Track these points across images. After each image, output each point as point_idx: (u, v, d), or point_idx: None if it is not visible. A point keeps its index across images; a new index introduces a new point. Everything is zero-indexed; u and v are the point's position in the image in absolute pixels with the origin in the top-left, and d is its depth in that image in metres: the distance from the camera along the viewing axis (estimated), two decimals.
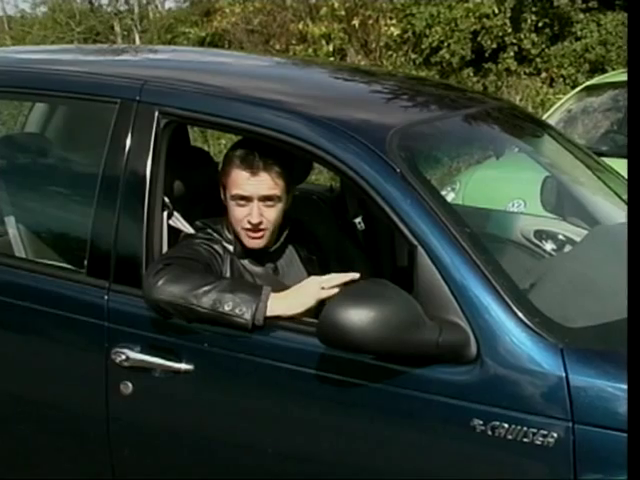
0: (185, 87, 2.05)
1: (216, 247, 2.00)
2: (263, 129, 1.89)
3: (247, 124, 1.91)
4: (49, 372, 2.12)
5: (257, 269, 2.06)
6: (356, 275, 1.82)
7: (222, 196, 2.06)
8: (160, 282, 1.81)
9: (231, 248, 2.04)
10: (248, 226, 1.99)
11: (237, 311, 1.77)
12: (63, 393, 2.11)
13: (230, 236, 2.04)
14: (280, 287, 1.91)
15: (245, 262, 2.05)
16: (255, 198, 1.97)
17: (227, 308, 1.78)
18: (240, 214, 1.99)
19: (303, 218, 2.26)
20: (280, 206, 2.01)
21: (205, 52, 3.84)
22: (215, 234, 2.04)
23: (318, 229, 2.36)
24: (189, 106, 1.99)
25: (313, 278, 1.88)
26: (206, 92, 2.03)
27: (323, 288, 1.80)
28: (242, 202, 1.98)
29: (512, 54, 9.59)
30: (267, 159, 1.96)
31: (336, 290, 1.79)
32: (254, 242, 2.02)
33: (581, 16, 9.61)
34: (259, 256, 2.07)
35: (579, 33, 9.57)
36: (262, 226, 2.00)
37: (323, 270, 2.20)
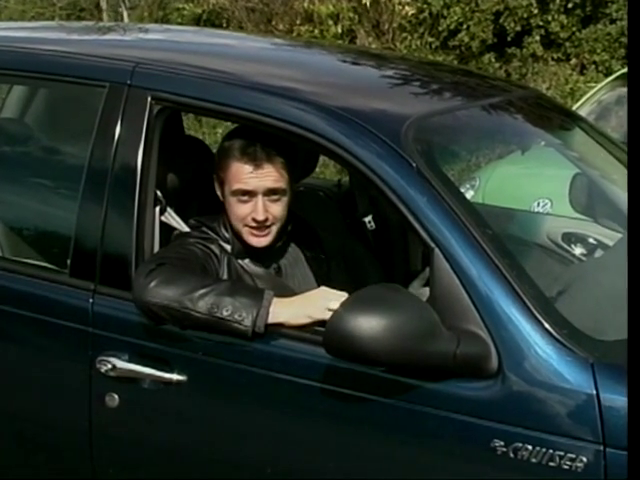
0: (181, 71, 2.06)
1: (212, 247, 2.01)
2: (267, 118, 1.90)
3: (249, 112, 1.93)
4: (27, 382, 2.13)
5: (258, 270, 2.07)
6: None
7: (218, 192, 2.07)
8: (152, 284, 1.82)
9: (229, 248, 2.04)
10: (253, 224, 2.00)
11: (236, 316, 1.78)
12: (42, 405, 2.12)
13: (227, 235, 2.05)
14: (284, 289, 1.92)
15: (245, 262, 2.06)
16: (259, 193, 1.98)
17: (225, 313, 1.79)
18: (243, 211, 2.00)
19: (307, 216, 2.27)
20: (285, 200, 2.02)
21: (202, 32, 3.85)
22: (211, 233, 2.04)
23: (324, 228, 2.37)
24: (185, 92, 2.00)
25: (325, 289, 1.89)
26: (204, 76, 2.04)
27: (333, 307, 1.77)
28: (245, 198, 1.99)
29: (538, 38, 9.58)
30: (270, 149, 1.97)
31: None
32: (259, 240, 2.03)
33: None
34: (260, 255, 2.08)
35: (614, 14, 9.54)
36: (268, 223, 2.01)
37: (329, 272, 2.21)
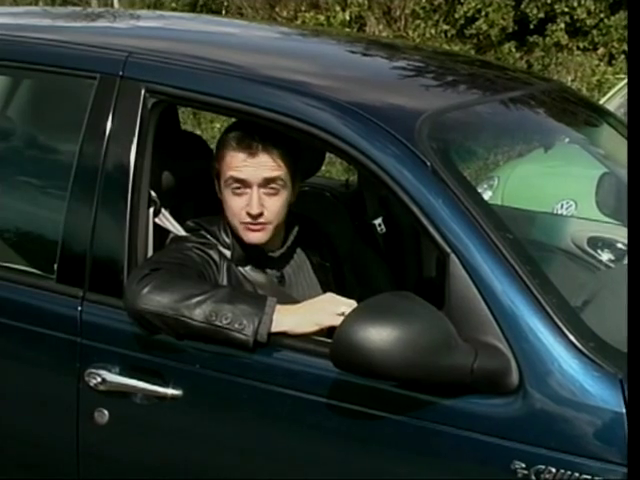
0: (177, 61, 2.07)
1: (211, 253, 2.02)
2: (271, 113, 1.91)
3: (251, 106, 1.93)
4: (9, 396, 2.14)
5: (259, 278, 2.07)
6: None
7: (217, 188, 2.08)
8: (146, 290, 1.83)
9: (228, 254, 2.05)
10: (247, 219, 2.00)
11: (236, 325, 1.79)
12: (25, 421, 2.13)
13: (228, 240, 2.06)
14: (286, 300, 1.92)
15: (245, 270, 2.07)
16: (254, 184, 1.99)
17: (225, 321, 1.80)
18: (237, 205, 2.00)
19: (315, 217, 2.28)
20: (284, 195, 2.03)
21: (200, 19, 3.87)
22: (210, 237, 2.05)
23: (331, 231, 2.38)
24: (182, 84, 2.01)
25: (332, 296, 1.90)
26: (202, 67, 2.05)
27: (343, 313, 1.78)
28: (239, 190, 1.99)
29: (563, 25, 9.60)
30: (268, 140, 1.98)
31: None
32: (254, 235, 2.03)
33: None
34: (262, 262, 2.09)
35: None
36: (263, 219, 2.01)
37: (337, 280, 2.21)
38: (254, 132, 1.98)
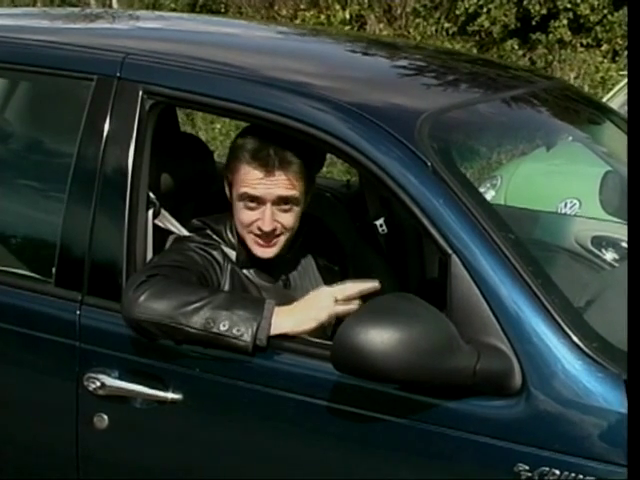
0: (175, 62, 2.07)
1: (215, 253, 2.01)
2: (269, 113, 1.91)
3: (250, 107, 1.93)
4: (7, 401, 2.14)
5: (264, 281, 2.07)
6: (376, 284, 1.84)
7: (227, 192, 2.07)
8: (142, 298, 1.82)
9: (233, 255, 2.05)
10: (258, 232, 2.00)
11: (235, 332, 1.79)
12: (24, 427, 2.13)
13: (233, 240, 2.05)
14: (291, 303, 1.92)
15: (250, 273, 2.06)
16: (268, 201, 1.98)
17: (222, 328, 1.79)
18: (248, 218, 2.00)
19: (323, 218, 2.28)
20: (297, 210, 2.02)
21: (199, 19, 3.87)
22: (215, 236, 2.05)
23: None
24: (180, 85, 2.01)
25: (324, 288, 1.91)
26: (201, 68, 2.05)
27: (337, 300, 1.82)
28: (252, 204, 1.99)
29: (566, 22, 9.59)
30: (285, 154, 1.96)
31: (354, 305, 1.82)
32: (264, 251, 2.03)
33: None
34: (268, 266, 2.08)
35: None
36: (277, 232, 2.01)
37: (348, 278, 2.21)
38: (270, 143, 1.95)
